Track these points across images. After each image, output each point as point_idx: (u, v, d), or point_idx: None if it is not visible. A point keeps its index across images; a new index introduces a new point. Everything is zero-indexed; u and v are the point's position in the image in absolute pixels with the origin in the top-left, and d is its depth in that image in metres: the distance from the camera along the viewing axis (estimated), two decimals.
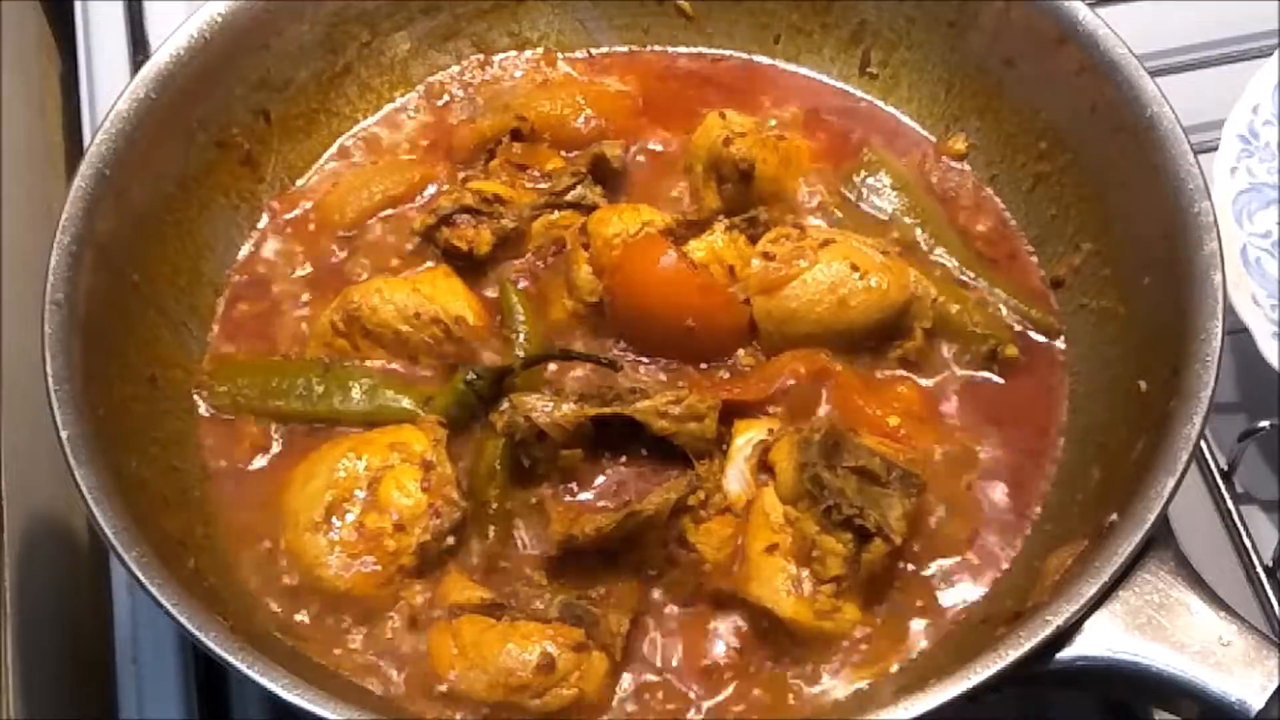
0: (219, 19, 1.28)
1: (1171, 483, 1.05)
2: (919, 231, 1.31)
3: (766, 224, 1.25)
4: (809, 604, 1.09)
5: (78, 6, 1.64)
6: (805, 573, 1.10)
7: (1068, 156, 1.29)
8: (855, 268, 1.20)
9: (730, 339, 1.23)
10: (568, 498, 1.17)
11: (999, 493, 1.19)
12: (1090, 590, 1.01)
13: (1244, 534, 1.26)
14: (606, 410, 1.15)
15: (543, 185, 1.32)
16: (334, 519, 1.14)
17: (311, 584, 1.13)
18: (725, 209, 1.28)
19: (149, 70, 1.25)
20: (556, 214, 1.30)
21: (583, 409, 1.15)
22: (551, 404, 1.15)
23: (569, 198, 1.30)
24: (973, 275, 1.28)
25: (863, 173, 1.33)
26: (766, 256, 1.21)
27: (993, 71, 1.33)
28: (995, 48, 1.33)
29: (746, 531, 1.13)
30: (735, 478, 1.16)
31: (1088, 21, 1.25)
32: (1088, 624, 1.02)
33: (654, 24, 1.44)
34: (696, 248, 1.23)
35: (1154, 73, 1.23)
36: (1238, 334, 1.24)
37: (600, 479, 1.18)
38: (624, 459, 1.18)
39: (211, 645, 1.00)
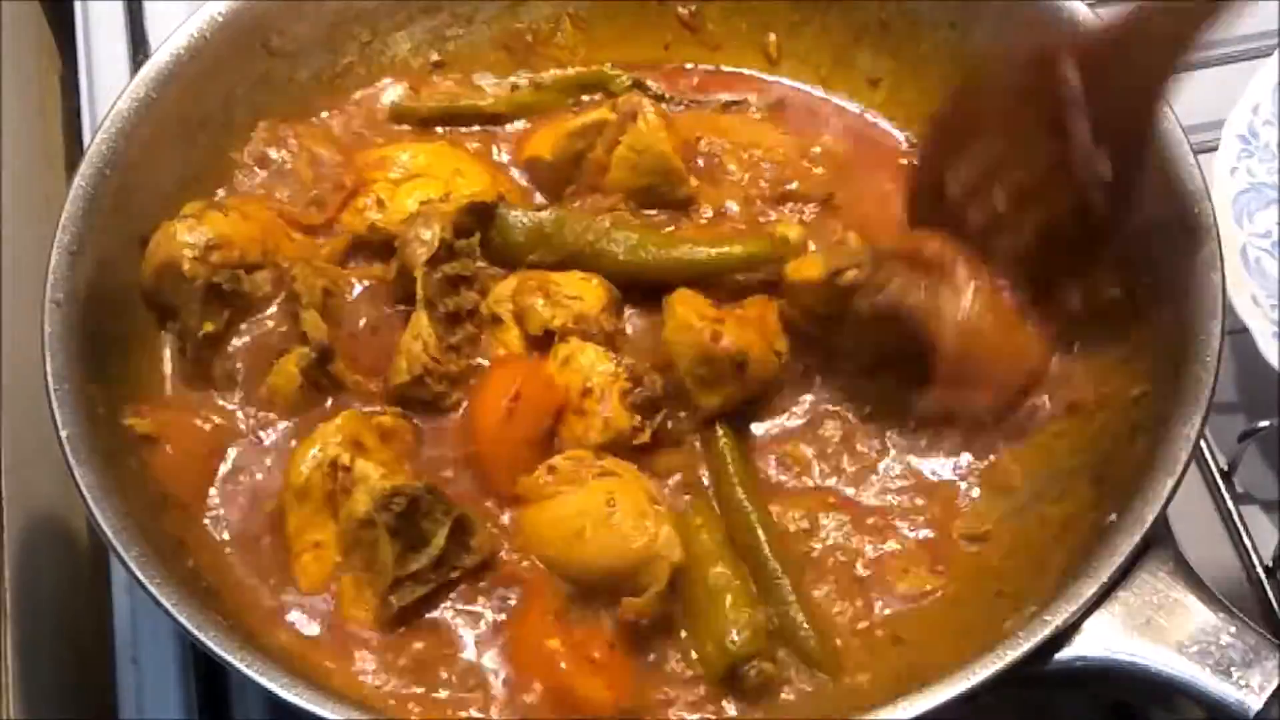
0: (219, 18, 1.28)
1: (1171, 483, 1.05)
2: None
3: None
4: None
5: (78, 6, 1.64)
6: None
7: None
8: (611, 504, 1.11)
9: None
10: None
11: None
12: (1089, 590, 1.01)
13: (1244, 534, 1.26)
14: None
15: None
16: None
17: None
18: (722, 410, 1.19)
19: (149, 69, 1.26)
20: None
21: None
22: None
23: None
24: None
25: None
26: (549, 470, 1.14)
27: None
28: (996, 48, 1.33)
29: None
30: None
31: (1088, 22, 1.25)
32: (1087, 624, 1.02)
33: (655, 26, 1.43)
34: (591, 363, 1.18)
35: None
36: (1238, 334, 1.24)
37: None
38: None
39: (211, 645, 1.00)
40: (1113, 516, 1.06)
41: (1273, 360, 1.24)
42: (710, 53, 1.43)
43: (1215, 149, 1.33)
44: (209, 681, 1.23)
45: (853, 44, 1.40)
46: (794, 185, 1.33)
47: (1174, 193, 1.17)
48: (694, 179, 1.32)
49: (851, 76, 1.40)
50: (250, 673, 0.99)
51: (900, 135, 1.38)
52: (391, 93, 1.38)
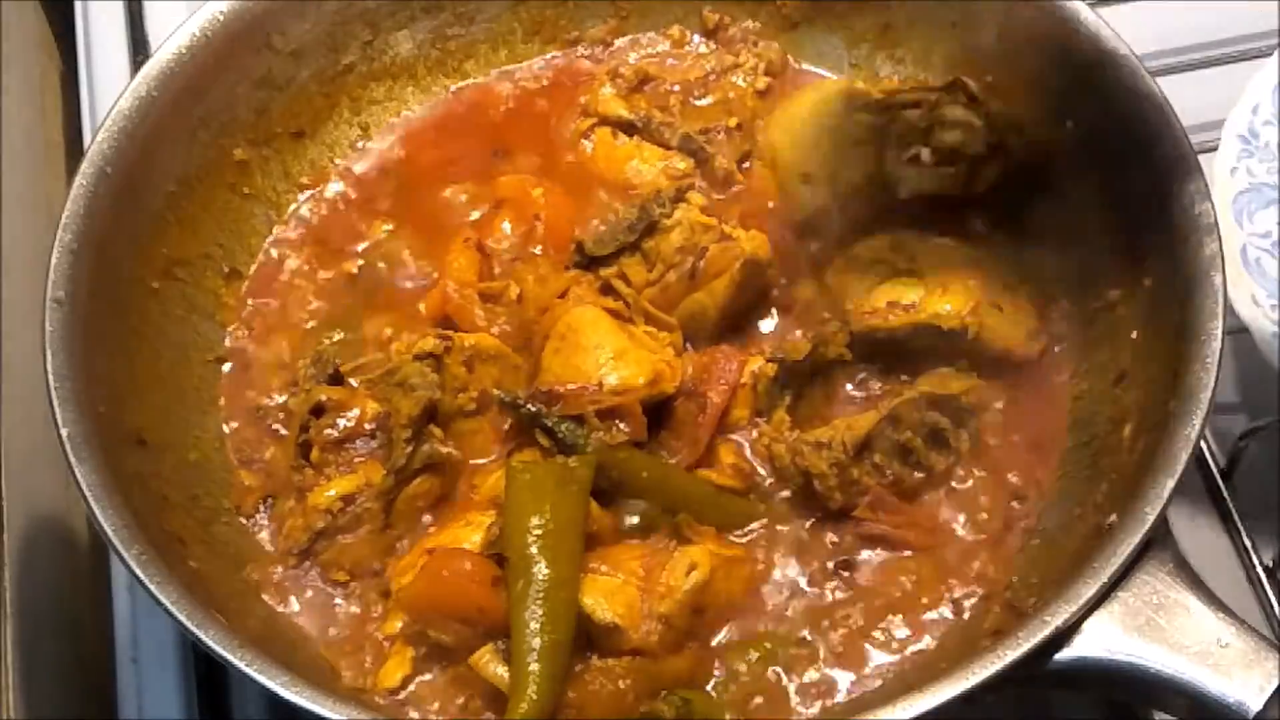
0: (221, 17, 1.29)
1: (1171, 483, 1.05)
2: None
3: None
4: None
5: (78, 6, 1.64)
6: None
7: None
8: None
9: None
10: None
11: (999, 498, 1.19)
12: (1089, 591, 1.01)
13: (1244, 534, 1.26)
14: None
15: None
16: None
17: None
18: None
19: (151, 68, 1.26)
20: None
21: None
22: None
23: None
24: None
25: None
26: None
27: (994, 74, 1.33)
28: (997, 49, 1.33)
29: None
30: None
31: (1089, 22, 1.25)
32: (1087, 625, 1.02)
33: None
34: None
35: (1154, 73, 1.23)
36: (1238, 334, 1.24)
37: None
38: None
39: (211, 644, 1.00)
40: (1113, 517, 1.06)
41: (1273, 360, 1.24)
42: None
43: (1215, 149, 1.33)
44: (209, 681, 1.23)
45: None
46: None
47: (1174, 193, 1.17)
48: None
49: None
50: (250, 672, 0.99)
51: None
52: None
